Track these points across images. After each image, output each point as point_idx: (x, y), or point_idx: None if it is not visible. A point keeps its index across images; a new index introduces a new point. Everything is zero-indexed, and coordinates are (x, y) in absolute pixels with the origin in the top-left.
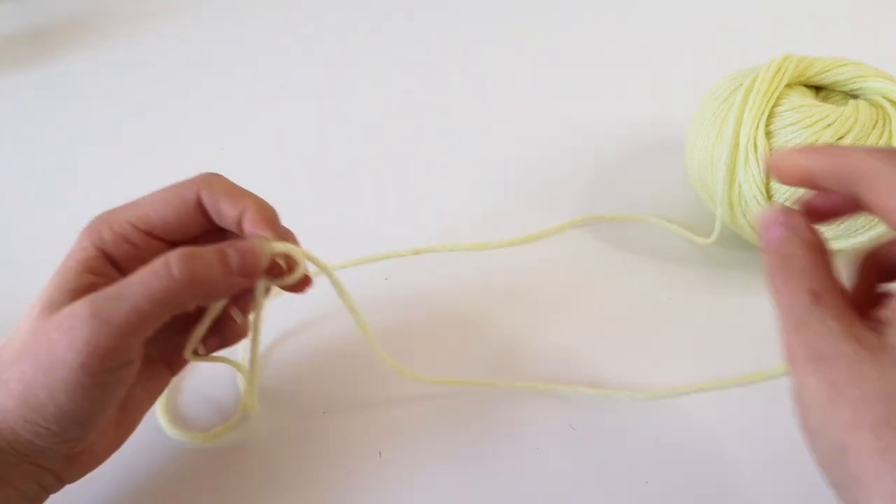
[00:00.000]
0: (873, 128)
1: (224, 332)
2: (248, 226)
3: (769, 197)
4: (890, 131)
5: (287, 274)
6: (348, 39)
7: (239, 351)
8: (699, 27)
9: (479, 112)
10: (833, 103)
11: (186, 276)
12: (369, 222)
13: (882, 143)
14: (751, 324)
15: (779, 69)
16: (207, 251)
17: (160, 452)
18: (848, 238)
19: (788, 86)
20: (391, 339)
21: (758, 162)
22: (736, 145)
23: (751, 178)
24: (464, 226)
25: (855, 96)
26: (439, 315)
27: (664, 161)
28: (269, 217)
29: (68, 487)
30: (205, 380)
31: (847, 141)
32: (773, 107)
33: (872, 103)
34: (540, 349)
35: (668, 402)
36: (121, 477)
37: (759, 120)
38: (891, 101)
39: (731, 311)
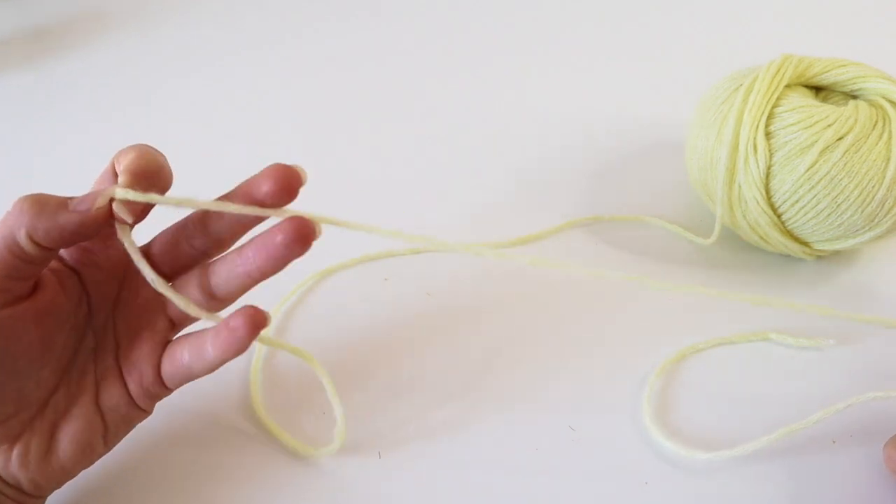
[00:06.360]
0: (873, 128)
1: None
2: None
3: (769, 198)
4: (890, 132)
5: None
6: (348, 39)
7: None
8: (699, 27)
9: (479, 112)
10: (833, 104)
11: (20, 204)
12: (369, 221)
13: (882, 143)
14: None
15: (778, 70)
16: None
17: (157, 451)
18: (848, 238)
19: (788, 86)
20: (390, 339)
21: (757, 163)
22: (736, 146)
23: (750, 178)
24: (464, 226)
25: (855, 97)
26: (439, 315)
27: (664, 161)
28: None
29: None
30: None
31: (847, 141)
32: (773, 107)
33: (872, 104)
34: (539, 349)
35: (668, 402)
36: (112, 471)
37: (759, 120)
38: (891, 101)
39: (731, 311)
